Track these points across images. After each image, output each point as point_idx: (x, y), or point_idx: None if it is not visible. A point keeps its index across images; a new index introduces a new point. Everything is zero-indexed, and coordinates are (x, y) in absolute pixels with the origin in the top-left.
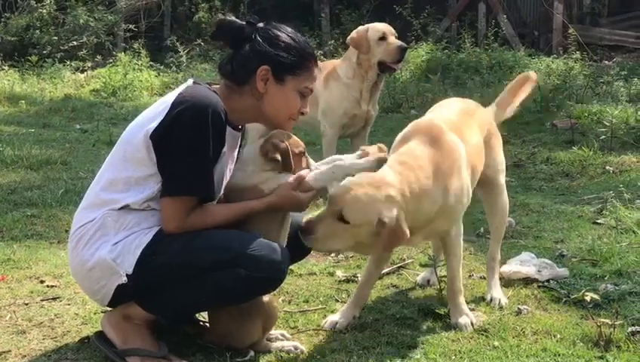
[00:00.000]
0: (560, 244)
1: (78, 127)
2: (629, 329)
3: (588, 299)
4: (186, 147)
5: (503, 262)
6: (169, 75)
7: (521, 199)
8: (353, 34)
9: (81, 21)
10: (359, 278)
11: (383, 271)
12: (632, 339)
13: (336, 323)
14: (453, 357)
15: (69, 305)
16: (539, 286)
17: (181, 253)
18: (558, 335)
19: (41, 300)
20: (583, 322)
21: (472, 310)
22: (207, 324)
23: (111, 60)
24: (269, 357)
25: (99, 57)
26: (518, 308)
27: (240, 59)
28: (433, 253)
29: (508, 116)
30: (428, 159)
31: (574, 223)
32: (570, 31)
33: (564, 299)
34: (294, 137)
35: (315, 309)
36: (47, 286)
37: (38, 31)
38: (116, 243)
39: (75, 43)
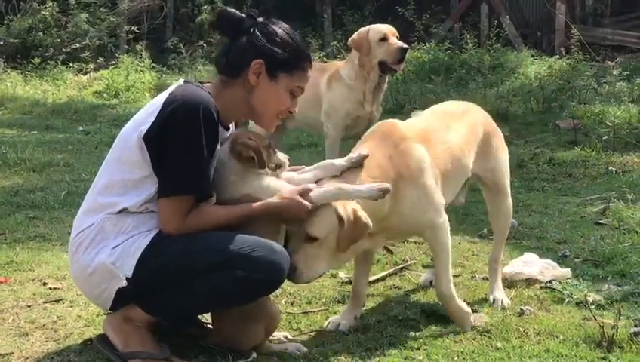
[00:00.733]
0: (563, 245)
1: (80, 129)
2: (632, 329)
3: (590, 299)
4: (179, 146)
5: (506, 263)
6: (171, 76)
7: (523, 200)
8: (354, 36)
9: (84, 23)
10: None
11: (386, 273)
12: (635, 340)
13: (339, 324)
14: (456, 358)
15: (71, 307)
16: (541, 287)
17: (180, 255)
18: (561, 336)
19: (44, 302)
20: (585, 323)
21: (474, 311)
22: (211, 326)
23: (113, 62)
24: (272, 359)
25: (101, 59)
26: (521, 309)
27: (236, 50)
28: None
29: None
30: (379, 160)
31: (577, 224)
32: (572, 31)
33: (567, 300)
34: (256, 132)
35: (318, 311)
36: (50, 288)
37: (40, 33)
38: (115, 247)
39: (77, 45)
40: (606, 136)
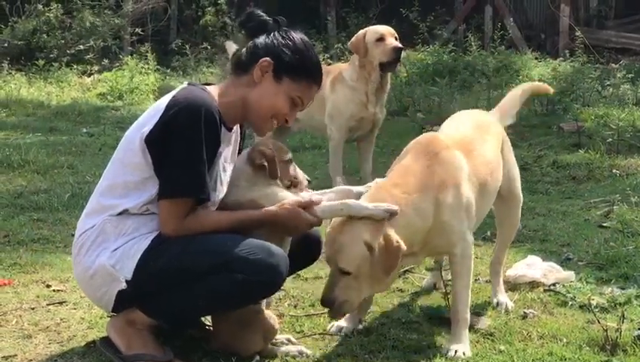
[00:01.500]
0: (566, 248)
1: (84, 130)
2: (636, 332)
3: (594, 302)
4: (180, 149)
5: (509, 266)
6: (175, 78)
7: (527, 202)
8: (353, 38)
9: (88, 25)
10: None
11: None
12: (639, 343)
13: (343, 327)
14: None
15: (75, 309)
16: (545, 290)
17: (178, 258)
18: (565, 339)
19: (47, 304)
20: (589, 326)
21: (478, 314)
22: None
23: (117, 64)
24: None
25: (105, 61)
26: (524, 312)
27: (251, 47)
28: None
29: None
30: (416, 173)
31: (581, 226)
32: (576, 33)
33: (571, 303)
34: (281, 145)
35: (321, 313)
36: (54, 290)
37: (45, 35)
38: (115, 249)
39: (81, 47)
40: (610, 139)
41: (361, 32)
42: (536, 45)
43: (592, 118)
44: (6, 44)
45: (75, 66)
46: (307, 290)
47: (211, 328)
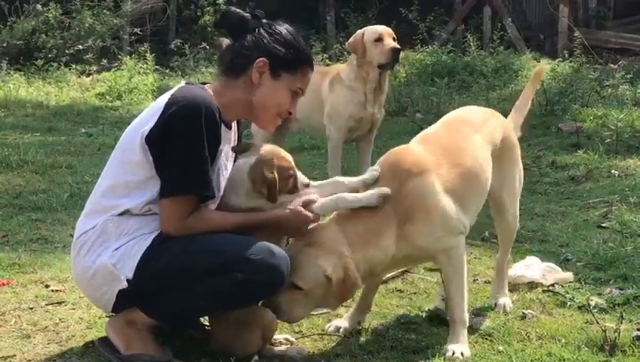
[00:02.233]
0: (565, 248)
1: (83, 130)
2: (634, 333)
3: (593, 303)
4: (181, 147)
5: (509, 267)
6: (174, 78)
7: (526, 203)
8: (351, 39)
9: (87, 25)
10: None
11: (388, 276)
12: (637, 344)
13: (341, 327)
14: None
15: (73, 309)
16: (543, 291)
17: (179, 257)
18: (563, 340)
19: (46, 304)
20: (587, 326)
21: (477, 315)
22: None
23: (116, 64)
24: None
25: (104, 61)
26: (523, 313)
27: (240, 49)
28: None
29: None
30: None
31: (579, 227)
32: (575, 34)
33: (569, 304)
34: (285, 156)
35: (320, 314)
36: (52, 290)
37: (43, 35)
38: (117, 248)
39: (80, 47)
40: (609, 140)
41: (359, 32)
42: (535, 46)
43: (591, 118)
44: (5, 44)
45: (73, 66)
46: None
47: (210, 328)
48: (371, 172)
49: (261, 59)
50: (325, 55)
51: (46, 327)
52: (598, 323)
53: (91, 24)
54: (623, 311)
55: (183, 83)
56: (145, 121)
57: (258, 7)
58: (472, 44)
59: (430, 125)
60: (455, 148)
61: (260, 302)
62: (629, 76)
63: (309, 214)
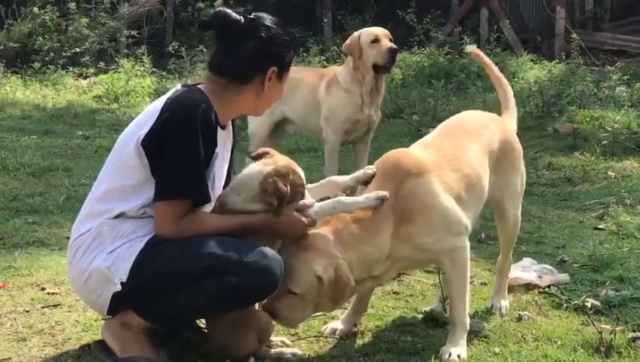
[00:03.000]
0: (561, 250)
1: (80, 133)
2: (630, 335)
3: (589, 304)
4: (176, 150)
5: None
6: (171, 81)
7: (522, 205)
8: (347, 40)
9: (84, 28)
10: None
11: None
12: (633, 345)
13: (337, 329)
14: None
15: (69, 312)
16: (540, 292)
17: (172, 260)
18: (559, 342)
19: (42, 307)
20: (583, 328)
21: (472, 316)
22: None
23: (113, 66)
24: None
25: (101, 63)
26: (519, 314)
27: (244, 57)
28: None
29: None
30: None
31: (576, 229)
32: (572, 36)
33: (565, 305)
34: (299, 173)
35: (316, 316)
36: (48, 293)
37: (40, 37)
38: (111, 251)
39: (77, 49)
40: (605, 141)
41: (355, 33)
42: (532, 48)
43: (588, 120)
44: (2, 47)
45: (70, 69)
46: None
47: (206, 330)
48: (365, 170)
49: (273, 68)
50: (322, 57)
51: (42, 330)
52: (594, 324)
53: (88, 27)
54: (619, 313)
55: (179, 86)
56: (141, 124)
57: (255, 9)
58: (469, 45)
59: (427, 127)
60: (453, 155)
61: (260, 308)
62: (625, 78)
63: (304, 218)
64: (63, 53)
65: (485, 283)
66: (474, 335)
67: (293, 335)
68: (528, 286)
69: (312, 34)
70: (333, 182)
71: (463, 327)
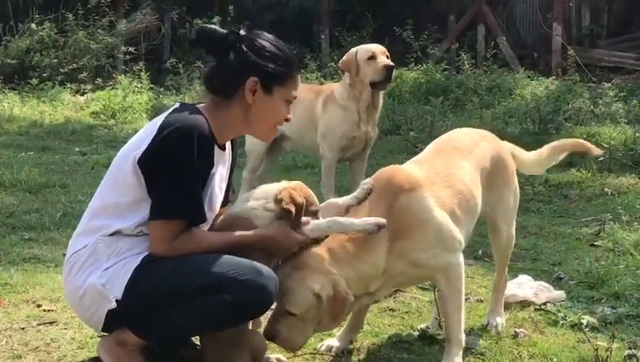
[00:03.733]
0: (557, 267)
1: (77, 149)
2: (626, 352)
3: (585, 322)
4: (173, 170)
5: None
6: (169, 97)
7: (519, 221)
8: (344, 57)
9: (82, 44)
10: None
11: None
12: None
13: (333, 346)
14: None
15: (65, 329)
16: (536, 309)
17: (167, 278)
18: (555, 359)
19: (38, 324)
20: (580, 345)
21: (468, 333)
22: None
23: (111, 83)
24: None
25: (99, 80)
26: (515, 332)
27: (226, 70)
28: None
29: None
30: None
31: (572, 245)
32: (569, 52)
33: (561, 322)
34: (312, 195)
35: None
36: (44, 310)
37: (38, 54)
38: (107, 268)
39: (75, 66)
40: (602, 158)
41: (352, 50)
42: (529, 64)
43: (584, 136)
44: None
45: (68, 85)
46: None
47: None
48: (363, 186)
49: (251, 78)
50: (320, 73)
51: (37, 347)
52: (590, 341)
53: (86, 43)
54: (615, 330)
55: (177, 105)
56: (138, 143)
57: (252, 26)
58: (466, 62)
59: (424, 143)
60: (445, 172)
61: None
62: (622, 94)
63: (299, 236)
64: (61, 70)
65: (481, 301)
66: (470, 352)
67: (288, 352)
68: (524, 303)
69: (310, 50)
70: (334, 204)
71: (458, 344)
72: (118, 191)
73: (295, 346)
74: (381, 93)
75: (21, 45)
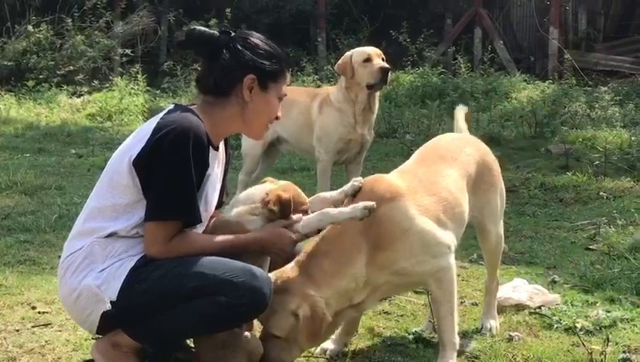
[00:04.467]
0: (552, 270)
1: (73, 151)
2: (621, 355)
3: (579, 325)
4: (168, 172)
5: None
6: (165, 99)
7: (514, 225)
8: (339, 60)
9: (78, 46)
10: None
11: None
12: None
13: (327, 349)
14: None
15: (60, 331)
16: (530, 313)
17: (162, 280)
18: None
19: (33, 326)
20: (574, 349)
21: (463, 337)
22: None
23: (107, 85)
24: None
25: (95, 82)
26: (510, 335)
27: (220, 69)
28: None
29: None
30: (349, 236)
31: (567, 249)
32: (565, 56)
33: (556, 326)
34: (298, 189)
35: None
36: (39, 312)
37: (35, 56)
38: (102, 270)
39: (71, 68)
40: (597, 162)
41: (347, 53)
42: (525, 67)
43: (580, 140)
44: None
45: (64, 87)
46: None
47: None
48: (353, 182)
49: (248, 76)
50: (316, 76)
51: (32, 349)
52: (584, 345)
53: (83, 45)
54: (610, 334)
55: (171, 106)
56: (133, 144)
57: (248, 29)
58: (462, 65)
59: (420, 146)
60: (428, 180)
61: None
62: (618, 98)
63: (292, 235)
64: (57, 72)
65: (476, 304)
66: (464, 355)
67: None
68: (519, 307)
69: (307, 53)
70: (322, 198)
71: (452, 347)
72: (114, 193)
73: None
74: (377, 96)
75: (18, 47)
